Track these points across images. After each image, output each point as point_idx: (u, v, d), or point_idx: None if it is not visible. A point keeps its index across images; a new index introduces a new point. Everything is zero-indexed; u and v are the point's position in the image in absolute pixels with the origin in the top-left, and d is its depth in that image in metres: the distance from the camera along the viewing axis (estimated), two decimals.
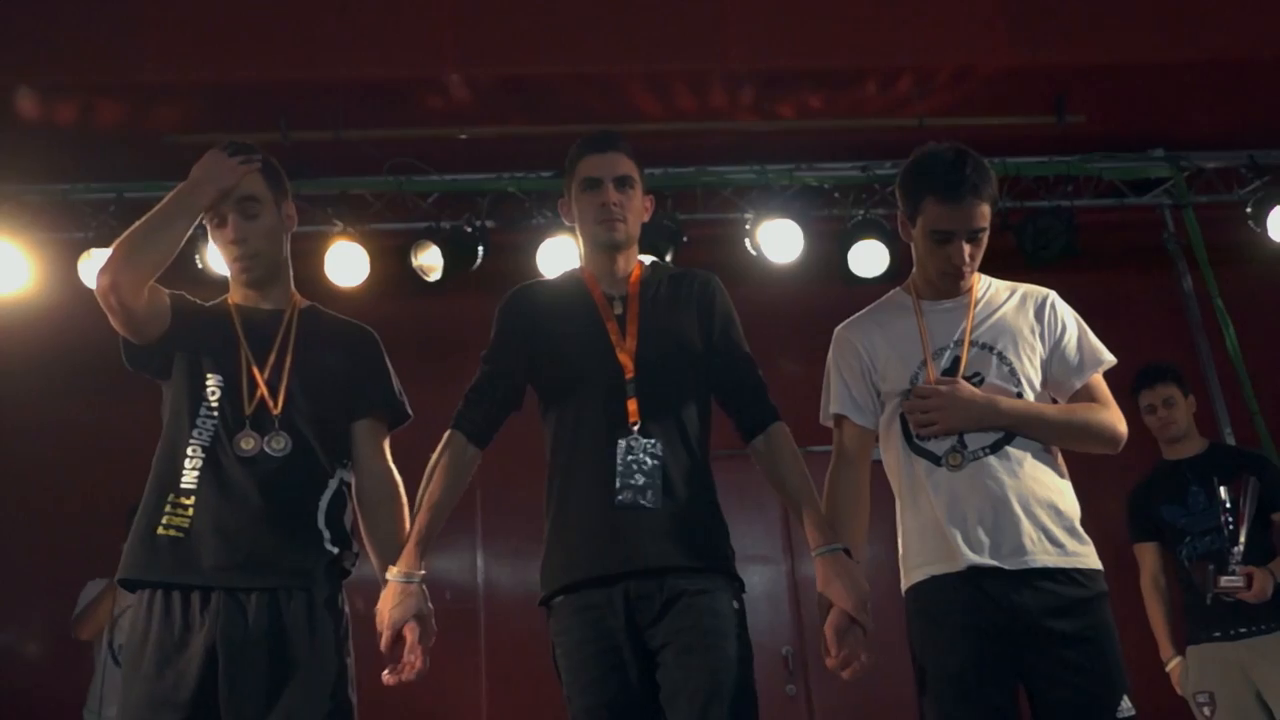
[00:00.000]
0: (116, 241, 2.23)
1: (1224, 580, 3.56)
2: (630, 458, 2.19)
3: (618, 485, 2.17)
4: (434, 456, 2.31)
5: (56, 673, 4.56)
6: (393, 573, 2.23)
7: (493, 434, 2.37)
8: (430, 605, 2.25)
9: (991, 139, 5.09)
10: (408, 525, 2.31)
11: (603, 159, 2.42)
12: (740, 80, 4.93)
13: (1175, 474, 3.91)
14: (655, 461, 2.20)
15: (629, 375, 2.27)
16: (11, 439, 4.88)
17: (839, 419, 2.47)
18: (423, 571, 2.25)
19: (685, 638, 2.10)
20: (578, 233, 2.50)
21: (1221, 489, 3.63)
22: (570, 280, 2.49)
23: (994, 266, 2.52)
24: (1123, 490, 4.04)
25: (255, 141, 2.38)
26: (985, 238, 2.35)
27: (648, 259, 2.56)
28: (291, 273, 2.45)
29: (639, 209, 2.46)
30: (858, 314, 2.56)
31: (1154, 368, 4.00)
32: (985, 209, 2.31)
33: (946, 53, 4.89)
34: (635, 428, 2.23)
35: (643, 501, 2.17)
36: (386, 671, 2.18)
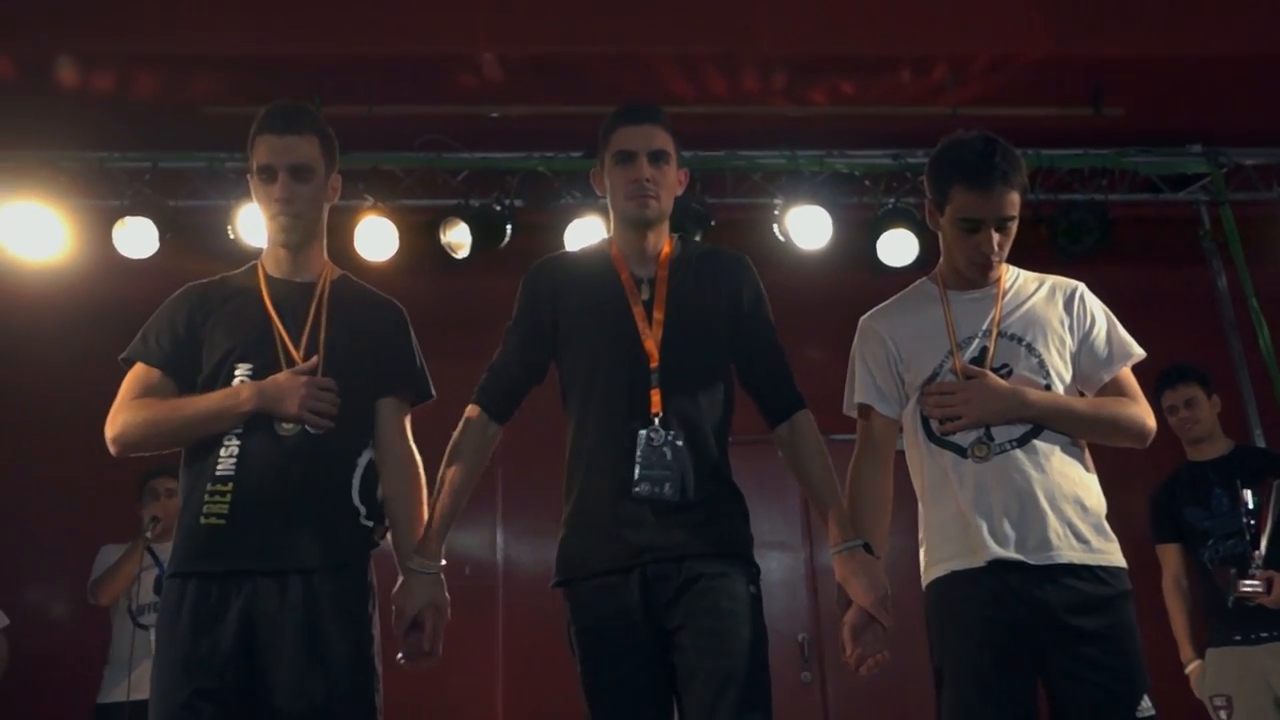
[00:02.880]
0: (141, 418, 2.20)
1: (1244, 584, 3.54)
2: (651, 449, 2.17)
3: (637, 476, 2.16)
4: (455, 435, 2.32)
5: (80, 634, 4.60)
6: (413, 561, 2.26)
7: (514, 408, 2.37)
8: (447, 595, 2.29)
9: (1026, 130, 5.03)
10: (425, 507, 2.33)
11: (638, 131, 2.35)
12: (772, 64, 4.88)
13: (1199, 475, 3.88)
14: (675, 453, 2.18)
15: (653, 364, 2.24)
16: (45, 404, 4.98)
17: (864, 409, 2.45)
18: (443, 561, 2.29)
19: (701, 620, 2.10)
20: (608, 204, 2.43)
21: (1246, 492, 3.58)
22: (598, 256, 2.42)
23: (1026, 259, 2.50)
24: (1150, 489, 4.01)
25: None
26: (1014, 227, 2.33)
27: (678, 234, 2.50)
28: (325, 243, 2.45)
29: (672, 184, 2.39)
30: (883, 303, 2.54)
31: (1176, 368, 3.97)
32: (1015, 197, 2.29)
33: (982, 41, 4.82)
34: (657, 418, 2.20)
35: (662, 493, 2.16)
36: (401, 655, 2.24)
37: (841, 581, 2.25)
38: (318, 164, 2.32)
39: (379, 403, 2.37)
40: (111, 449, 2.22)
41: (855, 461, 2.42)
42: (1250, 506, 3.55)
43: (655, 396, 2.22)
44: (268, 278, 2.36)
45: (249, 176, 2.36)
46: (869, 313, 2.53)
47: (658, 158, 2.34)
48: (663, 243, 2.40)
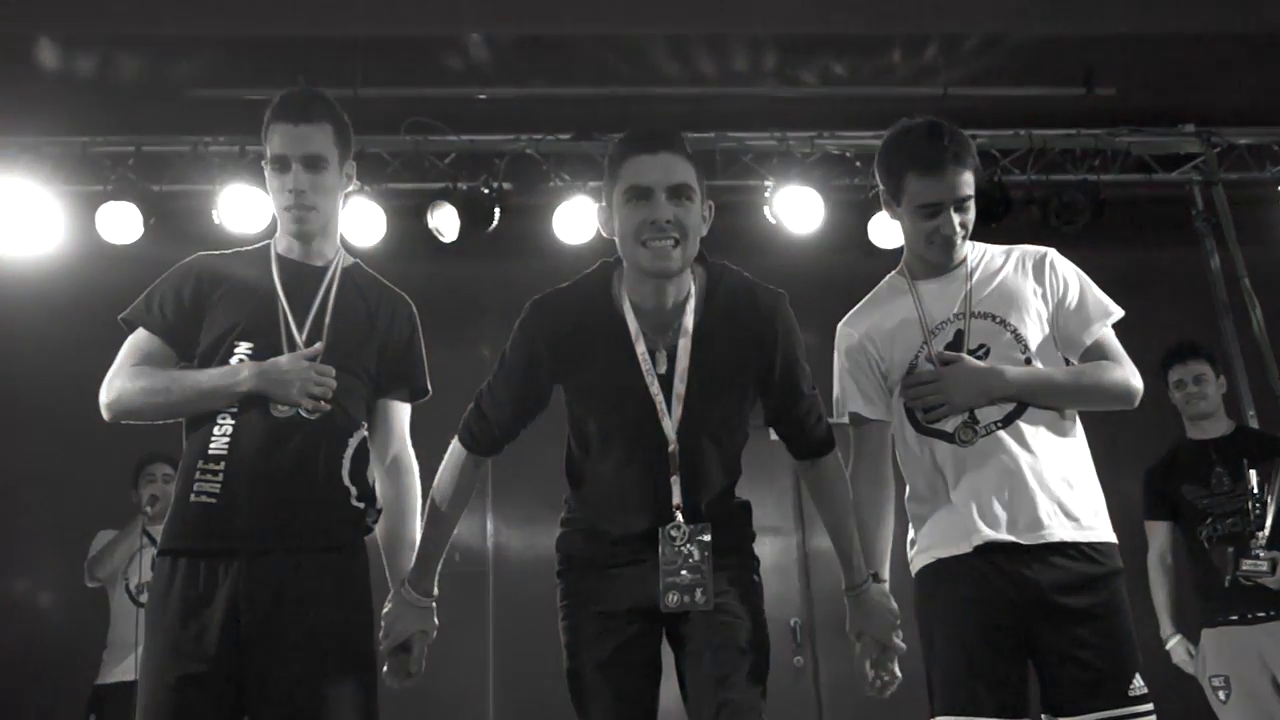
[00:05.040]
0: (137, 386, 2.17)
1: (1247, 564, 3.53)
2: (674, 550, 2.02)
3: (663, 587, 2.02)
4: (443, 472, 2.21)
5: (70, 621, 4.60)
6: (407, 593, 2.22)
7: (505, 446, 2.22)
8: (436, 620, 2.26)
9: (1018, 110, 5.09)
10: (418, 520, 2.29)
11: (654, 162, 1.99)
12: (762, 45, 4.86)
13: (1200, 454, 3.88)
14: (702, 550, 2.02)
15: (671, 448, 2.06)
16: (28, 390, 4.94)
17: (854, 417, 2.42)
18: (436, 592, 2.24)
19: (717, 599, 2.06)
20: (618, 247, 2.07)
21: (1251, 472, 3.58)
22: (606, 310, 2.10)
23: (1017, 240, 2.48)
24: (1141, 469, 4.02)
25: (274, 98, 2.32)
26: (973, 205, 2.33)
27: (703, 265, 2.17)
28: (340, 228, 2.42)
29: (698, 224, 2.03)
30: (856, 307, 2.51)
31: (1187, 344, 3.99)
32: (968, 176, 2.29)
33: (974, 21, 4.79)
34: (678, 511, 2.04)
35: (694, 601, 2.02)
36: (388, 671, 2.23)
37: (854, 620, 2.24)
38: (332, 153, 2.27)
39: (381, 403, 2.35)
40: (105, 414, 2.19)
41: (852, 472, 2.37)
42: (1255, 487, 3.54)
43: (675, 484, 2.05)
44: (279, 258, 2.32)
45: (262, 164, 2.32)
46: (844, 318, 2.50)
47: (679, 193, 1.99)
48: (685, 292, 2.08)
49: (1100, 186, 5.12)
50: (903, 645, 2.22)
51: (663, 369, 2.06)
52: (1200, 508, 3.80)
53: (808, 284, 4.99)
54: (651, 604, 2.06)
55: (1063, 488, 2.22)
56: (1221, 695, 3.70)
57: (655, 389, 2.05)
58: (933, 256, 2.37)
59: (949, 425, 2.27)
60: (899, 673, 2.22)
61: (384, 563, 2.33)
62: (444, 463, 2.21)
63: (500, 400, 2.15)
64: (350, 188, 2.41)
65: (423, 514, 2.26)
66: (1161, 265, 5.54)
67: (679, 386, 2.05)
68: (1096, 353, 2.32)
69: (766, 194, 5.13)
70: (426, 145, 5.08)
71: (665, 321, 2.08)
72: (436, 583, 2.24)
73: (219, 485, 2.10)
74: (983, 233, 2.45)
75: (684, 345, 2.06)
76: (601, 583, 2.12)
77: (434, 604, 2.24)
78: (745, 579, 2.15)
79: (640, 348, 2.06)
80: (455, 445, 2.19)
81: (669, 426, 2.05)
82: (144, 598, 3.88)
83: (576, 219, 4.97)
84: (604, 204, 2.10)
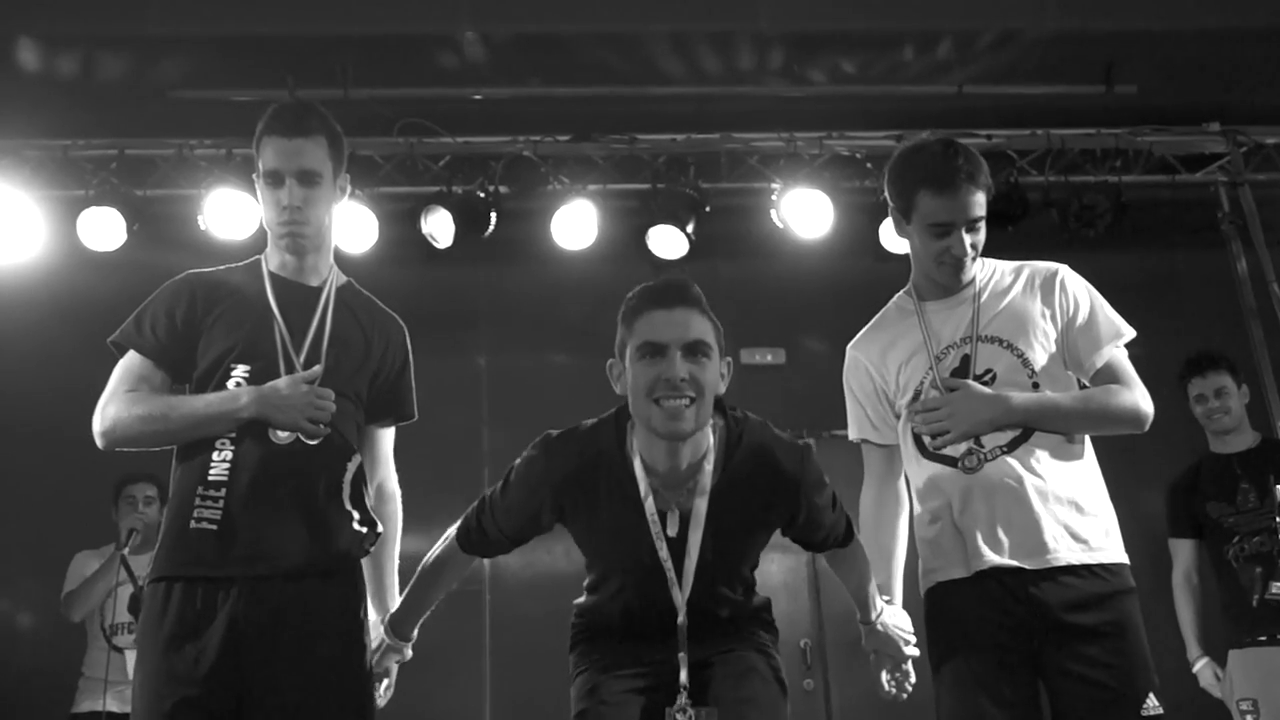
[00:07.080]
0: (134, 414, 2.13)
1: (1276, 586, 3.51)
2: None
3: None
4: (438, 552, 2.23)
5: (49, 645, 4.51)
6: (387, 632, 2.29)
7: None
8: (410, 651, 2.34)
9: (1036, 109, 5.04)
10: (397, 548, 2.41)
11: (669, 318, 1.96)
12: (769, 42, 4.79)
13: (1224, 469, 3.82)
14: None
15: (680, 618, 2.04)
16: (7, 402, 4.84)
17: (862, 443, 2.50)
18: (414, 636, 2.32)
19: (728, 659, 2.14)
20: (629, 403, 2.02)
21: (1278, 489, 3.53)
22: (617, 461, 2.04)
23: (1035, 244, 2.51)
24: (1163, 487, 3.96)
25: (261, 99, 2.34)
26: (984, 227, 2.34)
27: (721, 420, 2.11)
28: (333, 243, 2.40)
29: (715, 382, 1.99)
30: (864, 329, 2.54)
31: (1205, 355, 3.89)
32: (981, 197, 2.31)
33: (990, 16, 4.71)
34: (684, 692, 2.00)
35: None
36: None
37: (870, 642, 2.37)
38: (326, 167, 2.27)
39: (370, 429, 2.37)
40: (99, 442, 2.16)
41: (864, 493, 2.48)
42: None
43: (683, 662, 2.02)
44: (272, 276, 2.30)
45: (254, 177, 2.31)
46: (853, 340, 2.54)
47: (695, 351, 1.95)
48: (701, 451, 2.02)
49: (1122, 188, 5.04)
50: (916, 651, 2.35)
51: (674, 531, 2.02)
52: (1226, 526, 3.75)
53: (817, 290, 5.07)
54: (668, 662, 2.05)
55: (1070, 511, 2.22)
56: (1250, 719, 3.64)
57: (664, 554, 2.02)
58: (942, 277, 2.38)
59: (955, 451, 2.28)
60: (914, 675, 2.38)
61: (366, 585, 2.34)
62: (441, 545, 2.22)
63: (501, 525, 2.15)
64: (344, 199, 2.40)
65: (409, 535, 2.35)
66: (1186, 269, 5.51)
67: (692, 551, 2.02)
68: (1106, 375, 2.31)
69: (773, 197, 5.03)
70: (420, 147, 5.00)
71: (679, 480, 2.03)
72: (417, 628, 2.32)
73: (220, 512, 2.09)
74: (999, 237, 2.45)
75: (699, 506, 2.02)
76: (614, 648, 2.15)
77: (411, 641, 2.33)
78: (758, 637, 2.20)
79: (650, 507, 2.02)
80: (453, 541, 2.20)
81: (679, 598, 2.04)
82: (118, 639, 3.92)
83: (576, 223, 4.91)
84: (615, 359, 2.06)
